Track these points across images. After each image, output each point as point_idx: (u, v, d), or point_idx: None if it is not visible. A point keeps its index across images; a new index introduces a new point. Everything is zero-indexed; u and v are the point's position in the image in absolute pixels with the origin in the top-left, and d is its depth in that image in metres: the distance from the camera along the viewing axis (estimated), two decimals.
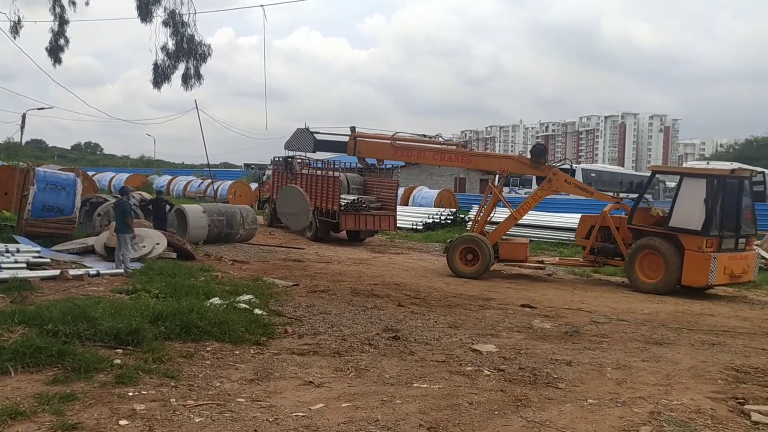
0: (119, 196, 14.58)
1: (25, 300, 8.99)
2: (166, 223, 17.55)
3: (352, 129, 16.15)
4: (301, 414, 5.35)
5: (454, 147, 17.08)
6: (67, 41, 19.41)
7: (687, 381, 6.89)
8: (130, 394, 5.58)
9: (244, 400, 5.64)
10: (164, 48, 17.41)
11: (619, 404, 5.94)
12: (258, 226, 20.99)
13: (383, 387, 6.22)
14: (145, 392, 5.66)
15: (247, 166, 69.89)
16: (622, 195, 16.67)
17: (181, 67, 17.81)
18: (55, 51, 19.43)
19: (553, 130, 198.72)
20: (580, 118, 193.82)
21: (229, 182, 40.75)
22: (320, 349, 7.62)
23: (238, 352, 7.32)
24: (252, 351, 7.41)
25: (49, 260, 12.76)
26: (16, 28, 18.46)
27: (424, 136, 16.71)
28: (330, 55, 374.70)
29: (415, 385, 6.34)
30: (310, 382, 6.28)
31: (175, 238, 15.44)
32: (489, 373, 6.91)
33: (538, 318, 10.34)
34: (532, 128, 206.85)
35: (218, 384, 6.07)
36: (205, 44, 17.93)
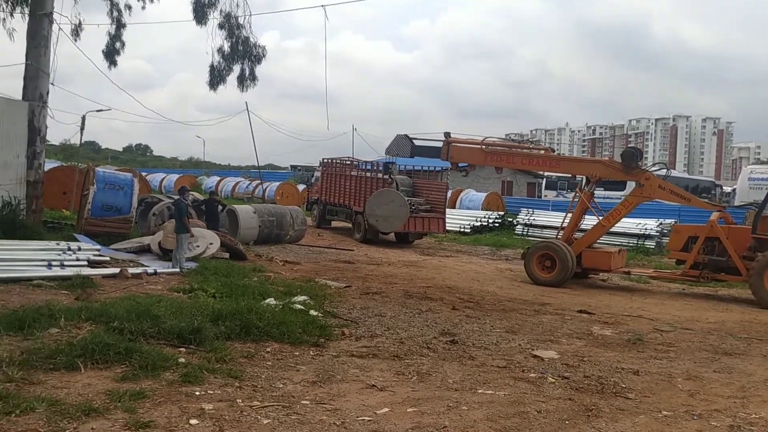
0: (178, 196, 14.83)
1: (89, 297, 9.17)
2: (219, 223, 17.77)
3: (446, 134, 16.32)
4: (367, 418, 5.28)
5: (542, 152, 16.93)
6: (123, 44, 19.97)
7: (763, 393, 6.59)
8: (197, 393, 5.60)
9: (308, 402, 5.60)
10: (220, 50, 17.71)
11: (695, 417, 5.70)
12: (307, 227, 21.12)
13: (447, 392, 6.11)
14: (212, 392, 5.67)
15: (293, 167, 70.68)
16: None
17: (236, 69, 18.09)
18: (111, 54, 19.99)
19: (601, 133, 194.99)
20: (629, 120, 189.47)
21: (276, 183, 41.25)
22: (379, 352, 7.55)
23: (297, 353, 7.30)
24: (311, 353, 7.38)
25: (108, 258, 13.05)
26: (77, 31, 18.99)
27: (512, 140, 16.73)
28: (374, 57, 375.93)
29: (480, 391, 6.21)
30: (373, 385, 6.21)
31: (227, 239, 15.61)
32: (553, 380, 6.73)
33: (598, 324, 10.07)
34: (579, 131, 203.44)
35: (281, 385, 6.05)
36: (259, 46, 18.21)
